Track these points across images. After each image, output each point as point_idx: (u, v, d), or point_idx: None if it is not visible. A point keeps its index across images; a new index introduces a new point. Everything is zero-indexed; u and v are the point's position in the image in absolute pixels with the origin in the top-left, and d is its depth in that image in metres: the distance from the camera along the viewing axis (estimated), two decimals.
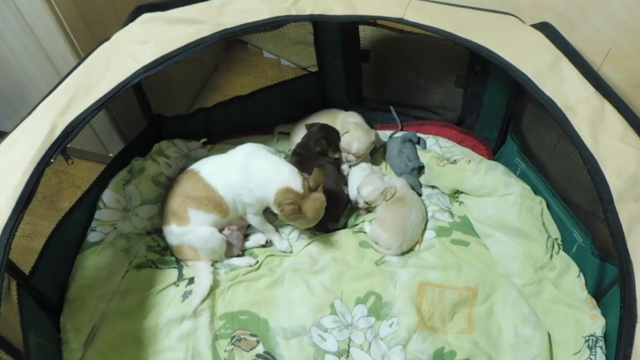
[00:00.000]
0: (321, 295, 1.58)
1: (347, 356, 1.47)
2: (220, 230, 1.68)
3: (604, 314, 1.36)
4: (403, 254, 1.67)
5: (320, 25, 1.85)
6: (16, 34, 1.66)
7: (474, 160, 1.77)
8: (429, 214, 1.77)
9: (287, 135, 2.13)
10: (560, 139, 1.54)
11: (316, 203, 1.58)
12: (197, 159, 1.79)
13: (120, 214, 1.67)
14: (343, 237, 1.74)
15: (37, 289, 1.37)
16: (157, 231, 1.76)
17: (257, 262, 1.69)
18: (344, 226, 1.82)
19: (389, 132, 2.05)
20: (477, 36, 1.47)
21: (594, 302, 1.40)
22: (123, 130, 1.92)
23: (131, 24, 1.49)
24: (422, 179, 1.91)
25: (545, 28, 1.47)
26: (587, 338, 1.34)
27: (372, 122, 2.11)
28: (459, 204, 1.82)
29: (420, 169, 1.91)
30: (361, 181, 1.79)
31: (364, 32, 1.88)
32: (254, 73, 2.36)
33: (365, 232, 1.75)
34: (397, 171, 1.93)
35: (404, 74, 2.01)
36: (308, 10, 1.56)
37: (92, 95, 1.38)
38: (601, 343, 1.31)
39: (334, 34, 1.88)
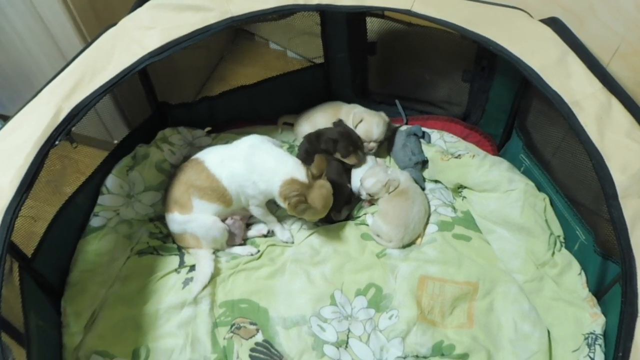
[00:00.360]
0: (321, 286, 1.58)
1: (346, 347, 1.47)
2: (223, 220, 1.68)
3: (604, 313, 1.35)
4: (404, 247, 1.67)
5: (328, 16, 1.84)
6: (23, 17, 1.65)
7: (478, 156, 1.77)
8: (432, 208, 1.77)
9: (291, 126, 2.12)
10: (566, 136, 1.54)
11: (322, 190, 1.57)
12: (201, 148, 1.80)
13: (123, 200, 1.68)
14: (345, 229, 1.74)
15: (38, 271, 1.37)
16: (159, 218, 1.77)
17: (259, 251, 1.69)
18: (348, 217, 1.82)
19: (393, 126, 2.05)
20: (485, 30, 1.46)
21: (595, 300, 1.40)
22: (127, 117, 1.92)
23: (138, 10, 1.49)
24: (426, 173, 1.91)
25: (553, 23, 1.45)
26: (586, 336, 1.34)
27: None
28: (462, 199, 1.81)
29: (424, 163, 1.91)
30: (364, 173, 1.79)
31: (372, 24, 1.87)
32: (260, 64, 2.36)
33: (367, 225, 1.75)
34: (400, 165, 1.92)
35: (410, 67, 2.00)
36: (316, 0, 1.56)
37: (98, 80, 1.38)
38: (600, 341, 1.31)
39: (342, 26, 1.87)
